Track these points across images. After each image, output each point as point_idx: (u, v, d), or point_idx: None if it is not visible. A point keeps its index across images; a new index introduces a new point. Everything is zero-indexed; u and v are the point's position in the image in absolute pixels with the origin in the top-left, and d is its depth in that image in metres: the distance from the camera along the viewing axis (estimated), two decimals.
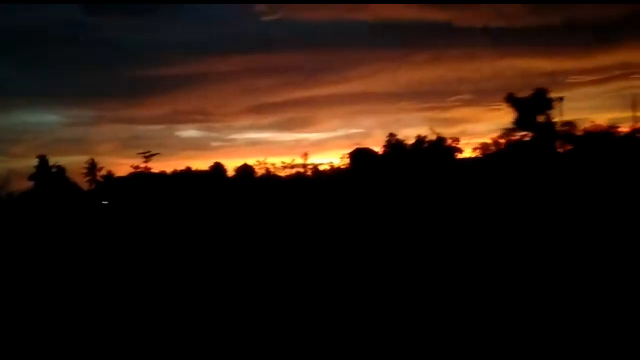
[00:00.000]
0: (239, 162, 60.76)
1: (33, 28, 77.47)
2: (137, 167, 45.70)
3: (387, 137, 48.66)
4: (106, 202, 43.89)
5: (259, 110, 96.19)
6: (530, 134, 52.93)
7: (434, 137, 57.33)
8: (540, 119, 51.66)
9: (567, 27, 76.12)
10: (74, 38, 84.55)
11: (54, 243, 16.94)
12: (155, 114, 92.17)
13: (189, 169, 61.47)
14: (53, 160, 56.80)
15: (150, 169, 44.59)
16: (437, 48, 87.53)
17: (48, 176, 58.33)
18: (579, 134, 50.85)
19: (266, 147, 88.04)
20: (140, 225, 22.17)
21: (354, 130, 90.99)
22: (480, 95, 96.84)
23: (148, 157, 31.48)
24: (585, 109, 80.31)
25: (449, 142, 57.83)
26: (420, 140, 56.15)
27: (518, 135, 54.04)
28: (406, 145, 50.22)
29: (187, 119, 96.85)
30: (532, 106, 50.38)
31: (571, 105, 70.77)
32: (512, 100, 49.67)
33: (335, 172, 49.23)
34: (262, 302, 8.03)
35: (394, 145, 48.22)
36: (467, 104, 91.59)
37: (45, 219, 26.59)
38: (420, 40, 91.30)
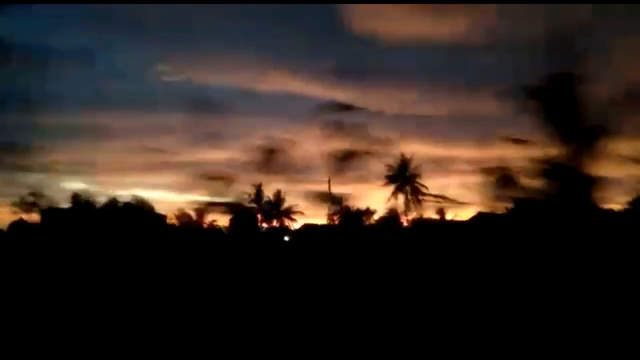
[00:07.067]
0: None
1: None
2: None
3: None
4: None
5: (151, 168, 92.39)
6: None
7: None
8: None
9: (456, 117, 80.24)
10: None
11: None
12: (39, 162, 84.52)
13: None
14: None
15: None
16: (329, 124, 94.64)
17: None
18: None
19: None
20: None
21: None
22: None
23: None
24: None
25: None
26: (113, 202, 74.14)
27: None
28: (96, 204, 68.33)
29: (72, 170, 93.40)
30: None
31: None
32: None
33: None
34: None
35: (82, 204, 65.99)
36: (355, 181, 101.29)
37: None
38: (315, 114, 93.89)
